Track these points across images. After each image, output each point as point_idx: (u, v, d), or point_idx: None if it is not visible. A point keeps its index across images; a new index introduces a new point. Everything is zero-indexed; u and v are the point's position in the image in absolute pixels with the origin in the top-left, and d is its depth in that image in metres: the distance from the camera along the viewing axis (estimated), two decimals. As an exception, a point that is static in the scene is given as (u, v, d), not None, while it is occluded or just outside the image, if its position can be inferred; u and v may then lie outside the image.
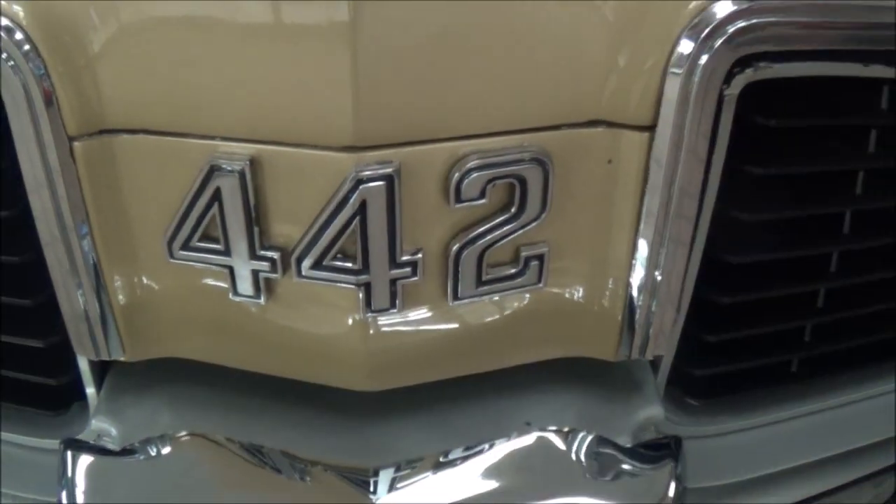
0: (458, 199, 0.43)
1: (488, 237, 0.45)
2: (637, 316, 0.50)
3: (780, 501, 0.65)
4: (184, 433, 0.51)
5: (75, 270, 0.49)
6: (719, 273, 0.54)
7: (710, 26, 0.43)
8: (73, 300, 0.50)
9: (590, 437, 0.50)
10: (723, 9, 0.43)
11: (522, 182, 0.44)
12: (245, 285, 0.47)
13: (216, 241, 0.46)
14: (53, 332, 0.54)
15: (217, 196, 0.44)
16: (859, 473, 0.70)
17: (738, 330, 0.57)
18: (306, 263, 0.45)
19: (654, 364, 0.56)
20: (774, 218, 0.54)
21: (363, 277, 0.45)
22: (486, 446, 0.52)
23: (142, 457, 0.51)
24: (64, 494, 0.50)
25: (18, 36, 0.43)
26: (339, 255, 0.45)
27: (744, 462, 0.63)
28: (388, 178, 0.42)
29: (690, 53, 0.43)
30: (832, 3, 0.46)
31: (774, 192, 0.53)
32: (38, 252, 0.49)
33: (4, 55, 0.43)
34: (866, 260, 0.59)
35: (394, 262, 0.45)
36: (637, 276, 0.49)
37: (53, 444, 0.57)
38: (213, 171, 0.43)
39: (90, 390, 0.56)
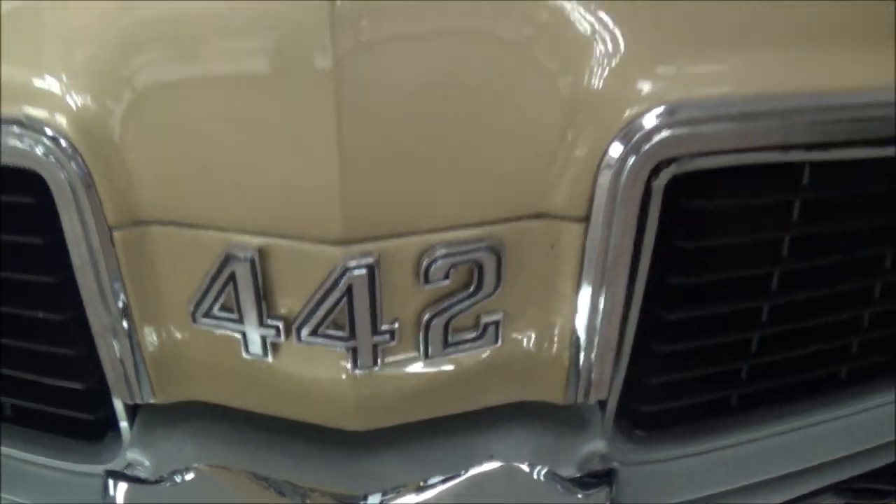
0: (427, 281, 0.53)
1: (452, 309, 0.55)
2: (580, 368, 0.59)
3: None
4: (205, 464, 0.62)
5: (113, 329, 0.59)
6: (658, 325, 0.63)
7: (639, 134, 0.52)
8: (111, 353, 0.60)
9: (541, 469, 0.60)
10: (649, 121, 0.52)
11: (480, 266, 0.53)
12: (255, 347, 0.57)
13: (231, 311, 0.56)
14: (92, 377, 0.64)
15: (232, 277, 0.54)
16: (797, 493, 0.79)
17: (677, 373, 0.67)
18: (305, 331, 0.55)
19: (603, 403, 0.66)
20: (709, 281, 0.63)
21: (351, 343, 0.55)
22: (459, 474, 0.62)
23: (170, 485, 0.61)
24: (107, 518, 0.60)
25: (63, 143, 0.53)
26: (331, 325, 0.54)
27: (688, 484, 0.72)
28: (370, 267, 0.52)
29: (620, 156, 0.52)
30: (750, 111, 0.53)
31: (708, 259, 0.63)
32: (81, 311, 0.59)
33: (53, 159, 0.53)
34: (795, 310, 0.69)
35: (375, 331, 0.55)
36: (579, 336, 0.58)
37: (90, 468, 0.68)
38: (228, 259, 0.53)
39: (123, 424, 0.66)
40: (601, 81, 0.52)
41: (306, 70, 0.48)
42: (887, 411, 0.77)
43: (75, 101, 0.52)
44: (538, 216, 0.54)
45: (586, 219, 0.54)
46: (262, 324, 0.56)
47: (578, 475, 0.61)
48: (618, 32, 0.51)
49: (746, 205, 0.60)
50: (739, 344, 0.68)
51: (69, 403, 0.67)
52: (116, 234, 0.55)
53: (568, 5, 0.50)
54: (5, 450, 0.70)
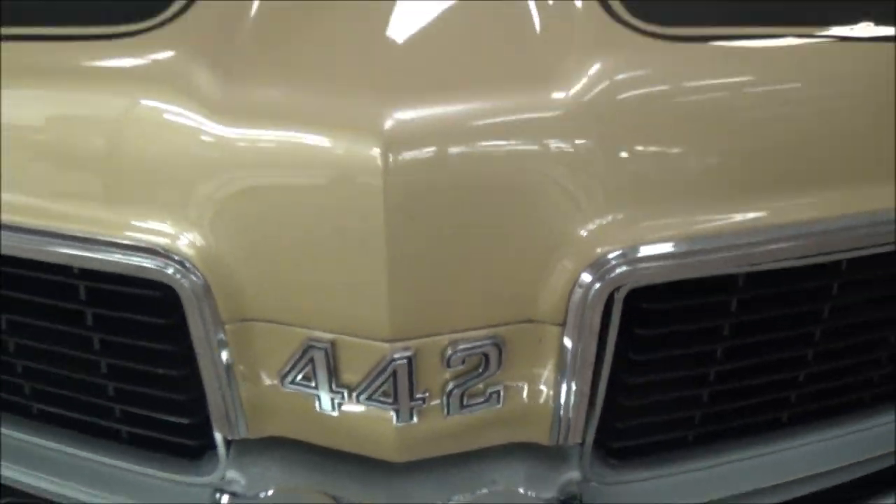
0: (449, 366, 0.75)
1: (467, 384, 0.76)
2: (560, 420, 0.81)
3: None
4: (284, 485, 0.85)
5: (221, 386, 0.80)
6: (624, 386, 0.84)
7: (603, 268, 0.72)
8: (217, 401, 0.82)
9: (531, 492, 0.83)
10: (611, 259, 0.72)
11: (486, 356, 0.75)
12: (326, 405, 0.79)
13: (310, 380, 0.78)
14: (199, 415, 0.86)
15: (311, 360, 0.76)
16: None
17: (640, 420, 0.88)
18: (362, 397, 0.77)
19: (583, 441, 0.88)
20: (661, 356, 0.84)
21: (395, 406, 0.77)
22: (472, 494, 0.85)
23: (260, 499, 0.84)
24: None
25: (187, 264, 0.73)
26: (381, 394, 0.76)
27: (654, 500, 0.92)
28: (409, 358, 0.74)
29: (589, 282, 0.73)
30: (686, 251, 0.73)
31: (660, 340, 0.83)
32: (195, 370, 0.81)
33: (179, 276, 0.73)
34: (732, 373, 0.87)
35: (412, 398, 0.76)
36: (560, 399, 0.80)
37: (191, 479, 0.90)
38: (308, 348, 0.75)
39: (221, 451, 0.88)
40: (578, 227, 0.72)
41: (362, 230, 0.69)
42: (822, 447, 0.97)
43: (193, 232, 0.73)
44: (529, 321, 0.75)
45: (563, 323, 0.75)
46: (331, 390, 0.78)
47: (560, 497, 0.83)
48: (590, 193, 0.72)
49: (689, 305, 0.81)
50: (691, 398, 0.88)
51: (180, 433, 0.90)
52: (228, 327, 0.77)
53: (558, 174, 0.70)
54: (127, 465, 0.94)
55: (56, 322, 0.85)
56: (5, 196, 0.76)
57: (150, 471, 0.93)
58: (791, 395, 0.93)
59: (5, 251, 0.78)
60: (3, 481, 1.00)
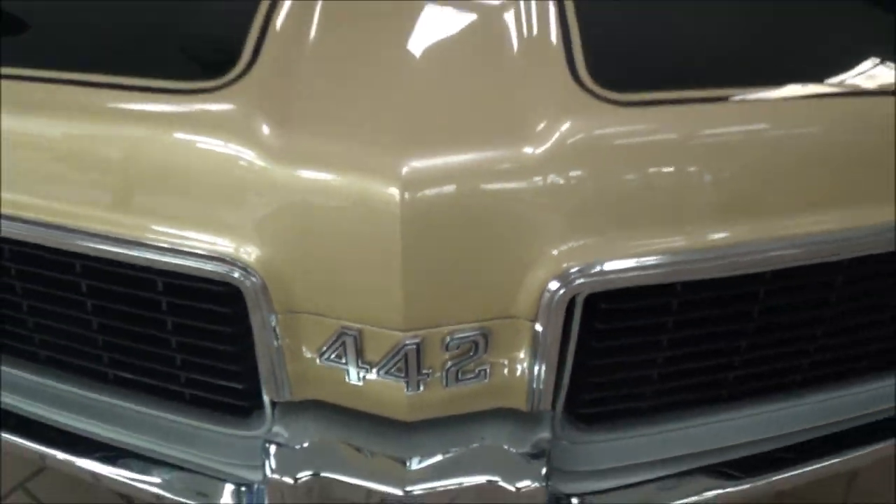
0: (447, 350, 0.98)
1: (461, 364, 1.00)
2: (534, 391, 1.04)
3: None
4: (320, 437, 1.09)
5: (272, 360, 1.03)
6: (586, 366, 1.08)
7: (567, 278, 0.94)
8: (268, 371, 1.05)
9: (511, 447, 1.07)
10: (573, 271, 0.93)
11: (476, 343, 0.98)
12: (353, 377, 1.02)
13: (341, 358, 1.01)
14: (251, 382, 1.11)
15: (343, 343, 0.99)
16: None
17: (602, 392, 1.12)
18: (381, 372, 1.00)
19: (554, 408, 1.11)
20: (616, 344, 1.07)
21: (405, 379, 1.00)
22: (465, 448, 1.09)
23: (299, 448, 1.09)
24: (266, 465, 1.08)
25: (250, 270, 0.96)
26: (395, 370, 1.00)
27: (612, 456, 1.16)
28: (417, 344, 0.96)
29: (556, 289, 0.95)
30: (634, 266, 0.95)
31: (615, 330, 1.06)
32: (250, 348, 1.05)
33: (247, 282, 0.97)
34: (673, 359, 1.10)
35: (419, 373, 0.99)
36: (534, 374, 1.03)
37: (245, 433, 1.14)
38: (340, 334, 0.98)
39: (268, 411, 1.12)
40: (549, 248, 0.94)
41: (384, 248, 0.92)
42: (749, 421, 1.21)
43: (253, 245, 0.96)
44: (509, 317, 0.98)
45: (535, 319, 0.98)
46: (357, 366, 1.01)
47: (532, 451, 1.07)
48: (558, 223, 0.94)
49: (638, 306, 1.03)
50: (642, 377, 1.11)
51: (235, 396, 1.14)
52: (279, 317, 1.00)
53: (533, 209, 0.92)
54: (192, 421, 1.19)
55: (136, 308, 1.09)
56: (111, 215, 0.99)
57: (211, 426, 1.17)
58: (726, 376, 1.16)
59: (108, 256, 1.01)
60: (88, 436, 1.25)
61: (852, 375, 1.25)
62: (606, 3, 1.09)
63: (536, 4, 1.05)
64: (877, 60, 1.04)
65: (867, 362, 1.23)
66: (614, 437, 1.17)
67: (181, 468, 1.19)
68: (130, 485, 1.20)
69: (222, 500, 1.16)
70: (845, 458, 1.25)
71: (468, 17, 1.08)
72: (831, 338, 1.15)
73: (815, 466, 1.24)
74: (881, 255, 1.05)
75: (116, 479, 1.20)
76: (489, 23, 1.06)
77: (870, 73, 1.03)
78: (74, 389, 1.26)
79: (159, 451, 1.21)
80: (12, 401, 1.29)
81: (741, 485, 1.20)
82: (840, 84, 1.02)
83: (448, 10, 1.10)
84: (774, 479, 1.22)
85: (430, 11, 1.09)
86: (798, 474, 1.23)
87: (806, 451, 1.25)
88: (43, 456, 1.26)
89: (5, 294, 1.17)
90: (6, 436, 1.27)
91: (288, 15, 1.05)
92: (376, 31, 1.06)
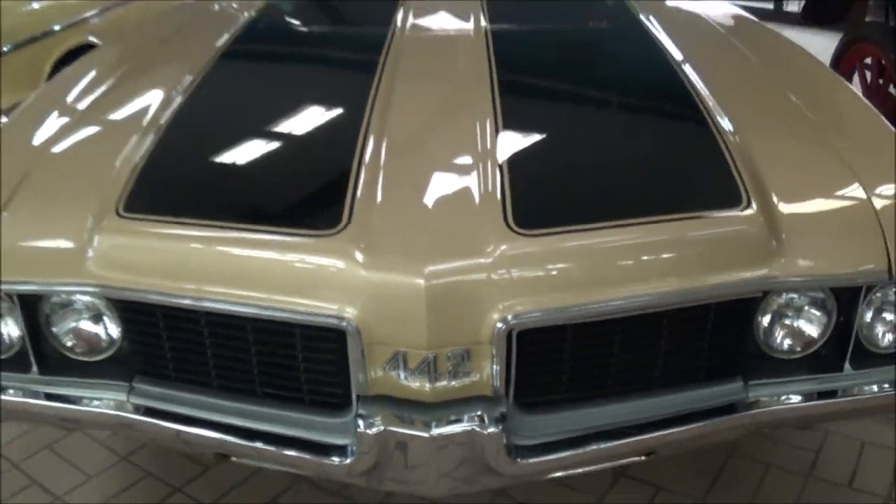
0: (448, 360, 1.91)
1: (456, 369, 1.92)
2: (495, 385, 1.95)
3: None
4: (383, 414, 2.01)
5: (359, 371, 1.96)
6: (528, 370, 2.04)
7: (507, 321, 1.92)
8: (357, 378, 1.98)
9: (483, 414, 2.00)
10: (510, 317, 1.92)
11: (463, 356, 1.91)
12: (402, 379, 1.96)
13: (396, 368, 1.96)
14: (341, 386, 2.05)
15: (396, 360, 1.95)
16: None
17: (538, 386, 2.08)
18: (416, 374, 1.91)
19: (507, 395, 2.06)
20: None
21: (428, 377, 1.93)
22: (459, 412, 2.02)
23: (373, 427, 2.00)
24: (356, 428, 2.03)
25: (349, 322, 1.93)
26: (423, 372, 1.92)
27: (544, 427, 2.04)
28: (435, 356, 1.91)
29: (500, 326, 1.90)
30: (553, 308, 1.95)
31: (538, 348, 2.04)
32: (345, 364, 2.03)
33: (348, 327, 1.94)
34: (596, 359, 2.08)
35: (435, 374, 1.94)
36: (494, 375, 1.96)
37: (339, 419, 2.07)
38: (395, 354, 1.95)
39: (354, 403, 2.03)
40: (497, 304, 1.91)
41: (415, 311, 1.90)
42: (641, 405, 2.13)
43: (350, 308, 1.92)
44: (479, 343, 1.92)
45: (492, 343, 1.93)
46: (403, 371, 1.97)
47: (496, 416, 1.99)
48: (505, 293, 1.94)
49: (553, 335, 2.02)
50: (557, 380, 2.07)
51: (333, 396, 2.09)
52: (364, 347, 1.97)
53: (489, 288, 1.94)
54: (307, 416, 2.14)
55: (280, 348, 2.06)
56: (273, 296, 2.00)
57: (320, 418, 2.12)
58: (608, 378, 2.11)
59: (271, 318, 2.00)
60: (248, 429, 2.07)
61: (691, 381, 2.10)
62: (531, 167, 2.14)
63: (490, 168, 2.10)
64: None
65: (702, 374, 2.05)
66: (549, 413, 1.94)
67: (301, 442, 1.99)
68: (282, 455, 1.95)
69: (333, 457, 2.00)
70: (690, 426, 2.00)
71: (451, 178, 2.13)
72: (665, 358, 2.11)
73: (669, 431, 1.99)
74: (694, 307, 1.93)
75: (275, 453, 1.95)
76: (466, 181, 2.11)
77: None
78: (234, 404, 2.00)
79: (290, 434, 1.97)
80: (194, 413, 2.20)
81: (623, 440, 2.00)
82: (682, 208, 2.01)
83: (440, 175, 2.14)
84: (646, 437, 1.96)
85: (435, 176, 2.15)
86: (659, 435, 1.98)
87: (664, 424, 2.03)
88: (223, 443, 2.03)
89: (193, 345, 1.94)
90: (193, 430, 2.20)
91: (364, 184, 2.07)
92: (409, 192, 2.10)
